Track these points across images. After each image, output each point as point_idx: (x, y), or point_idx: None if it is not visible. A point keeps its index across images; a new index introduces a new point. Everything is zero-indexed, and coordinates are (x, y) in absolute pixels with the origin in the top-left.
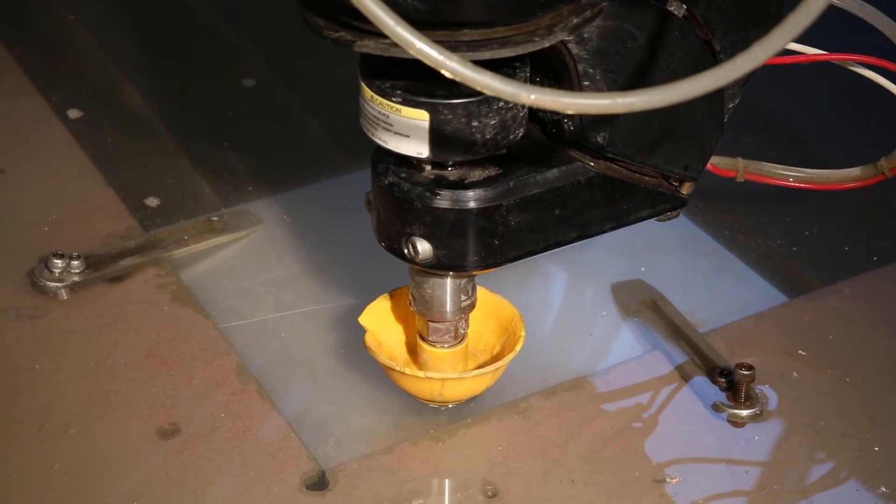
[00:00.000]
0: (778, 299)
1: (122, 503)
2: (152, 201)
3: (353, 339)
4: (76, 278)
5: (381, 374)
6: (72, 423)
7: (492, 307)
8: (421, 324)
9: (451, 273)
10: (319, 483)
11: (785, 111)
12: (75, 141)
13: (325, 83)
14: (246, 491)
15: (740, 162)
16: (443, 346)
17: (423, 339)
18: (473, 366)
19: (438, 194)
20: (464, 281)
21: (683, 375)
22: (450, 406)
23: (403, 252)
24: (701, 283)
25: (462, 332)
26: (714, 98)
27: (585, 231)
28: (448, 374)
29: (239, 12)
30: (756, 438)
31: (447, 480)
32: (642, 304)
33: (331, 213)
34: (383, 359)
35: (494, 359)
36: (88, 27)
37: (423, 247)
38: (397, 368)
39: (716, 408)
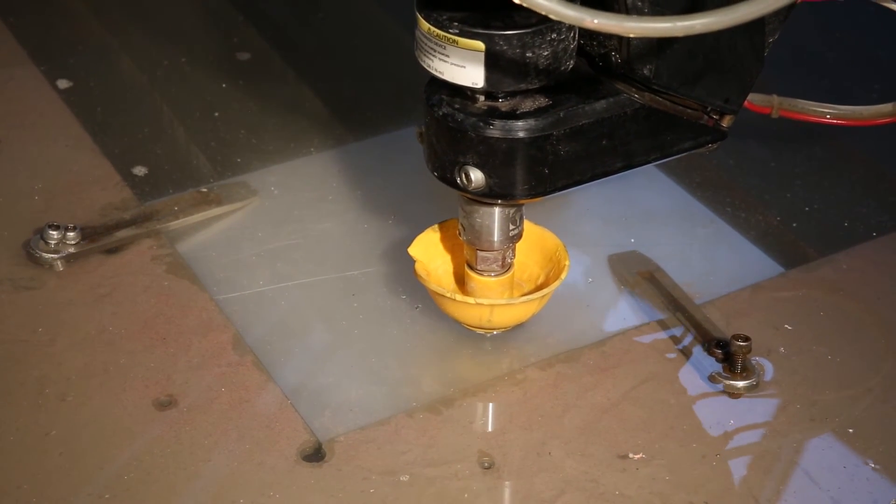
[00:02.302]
0: (775, 271)
1: (117, 473)
2: (140, 170)
3: (349, 310)
4: (72, 249)
5: (377, 346)
6: (69, 393)
7: (536, 238)
8: (469, 253)
9: (500, 202)
10: (316, 455)
11: (815, 52)
12: (69, 111)
13: (319, 56)
14: (242, 463)
15: (775, 99)
16: (490, 275)
17: (471, 267)
18: (518, 295)
19: (491, 124)
20: (512, 210)
21: (680, 347)
22: (494, 333)
23: (456, 181)
24: (698, 255)
25: (509, 261)
26: (756, 31)
27: (631, 161)
28: (497, 300)
29: None
30: (752, 409)
31: (443, 452)
32: (639, 275)
33: (325, 185)
34: (433, 286)
35: (538, 288)
36: None
37: (476, 175)
38: (448, 295)
39: (712, 379)
